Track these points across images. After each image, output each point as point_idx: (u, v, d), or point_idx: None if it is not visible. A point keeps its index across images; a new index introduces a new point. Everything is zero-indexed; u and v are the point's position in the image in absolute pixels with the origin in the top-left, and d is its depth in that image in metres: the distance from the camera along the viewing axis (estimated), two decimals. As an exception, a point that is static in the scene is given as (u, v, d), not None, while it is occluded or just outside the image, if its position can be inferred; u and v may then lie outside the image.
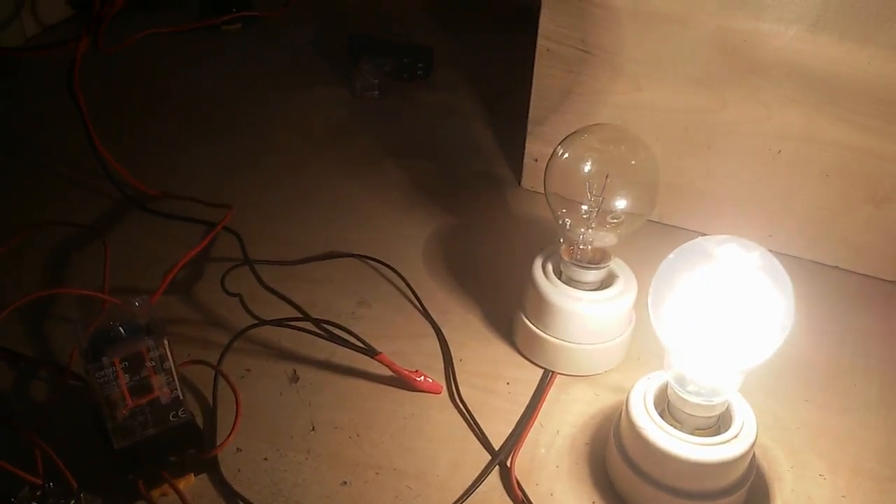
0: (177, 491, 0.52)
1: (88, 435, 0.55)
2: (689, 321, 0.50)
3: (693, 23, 0.69)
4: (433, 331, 0.67)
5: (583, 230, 0.61)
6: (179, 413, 0.53)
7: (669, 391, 0.53)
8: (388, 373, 0.62)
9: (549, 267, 0.63)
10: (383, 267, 0.73)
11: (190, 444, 0.54)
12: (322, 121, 0.94)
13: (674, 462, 0.51)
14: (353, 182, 0.85)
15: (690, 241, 0.53)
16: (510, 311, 0.68)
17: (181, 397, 0.53)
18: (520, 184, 0.85)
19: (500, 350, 0.66)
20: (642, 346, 0.65)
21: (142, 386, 0.51)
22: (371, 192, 0.83)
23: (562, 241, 0.63)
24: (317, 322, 0.63)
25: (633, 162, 0.61)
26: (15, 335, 0.64)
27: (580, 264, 0.61)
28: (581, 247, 0.62)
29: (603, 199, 0.59)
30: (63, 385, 0.59)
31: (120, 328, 0.51)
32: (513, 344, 0.66)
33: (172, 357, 0.51)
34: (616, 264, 0.63)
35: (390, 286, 0.72)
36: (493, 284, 0.72)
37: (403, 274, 0.72)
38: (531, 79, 0.78)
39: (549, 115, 0.79)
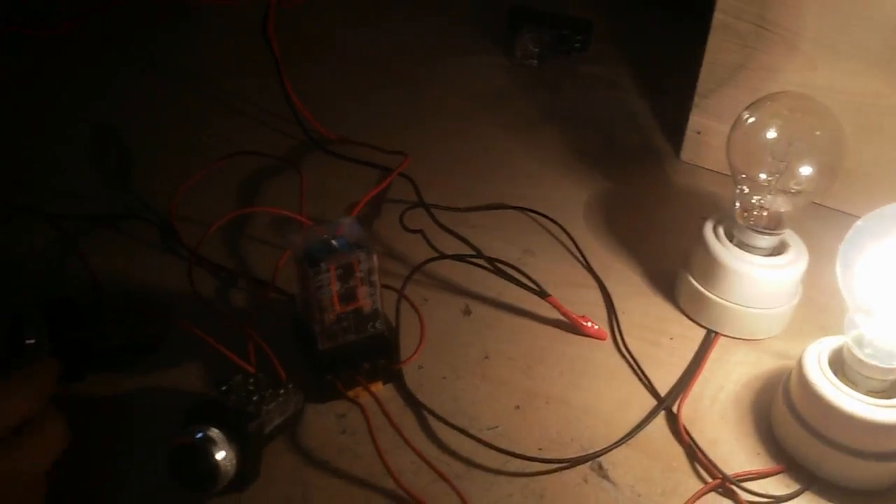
0: (371, 393, 0.57)
1: (288, 342, 0.60)
2: (879, 283, 0.52)
3: (879, 5, 0.70)
4: (596, 283, 0.70)
5: (761, 196, 0.63)
6: (377, 325, 0.58)
7: (846, 353, 0.55)
8: (556, 315, 0.66)
9: (721, 230, 0.65)
10: (547, 221, 0.76)
11: (382, 354, 0.58)
12: (482, 85, 0.98)
13: (847, 420, 0.53)
14: (514, 143, 0.88)
15: (880, 208, 0.54)
16: (671, 273, 0.71)
17: (380, 310, 0.58)
18: (678, 156, 0.87)
19: (662, 307, 0.69)
20: (804, 318, 0.67)
21: (349, 294, 0.56)
22: (532, 154, 0.86)
23: (737, 204, 0.64)
24: (491, 260, 0.67)
25: (818, 132, 0.62)
26: (217, 251, 0.70)
27: (755, 229, 0.63)
28: (757, 212, 0.64)
29: (786, 165, 0.61)
30: (267, 296, 0.64)
31: (332, 241, 0.56)
32: (675, 303, 0.69)
33: (378, 272, 0.56)
34: (788, 234, 0.65)
35: (553, 239, 0.75)
36: (653, 247, 0.74)
37: (567, 228, 0.75)
38: (700, 53, 0.80)
39: (718, 89, 0.80)
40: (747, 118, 0.63)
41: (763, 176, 0.62)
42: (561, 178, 0.83)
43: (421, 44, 1.06)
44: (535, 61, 1.00)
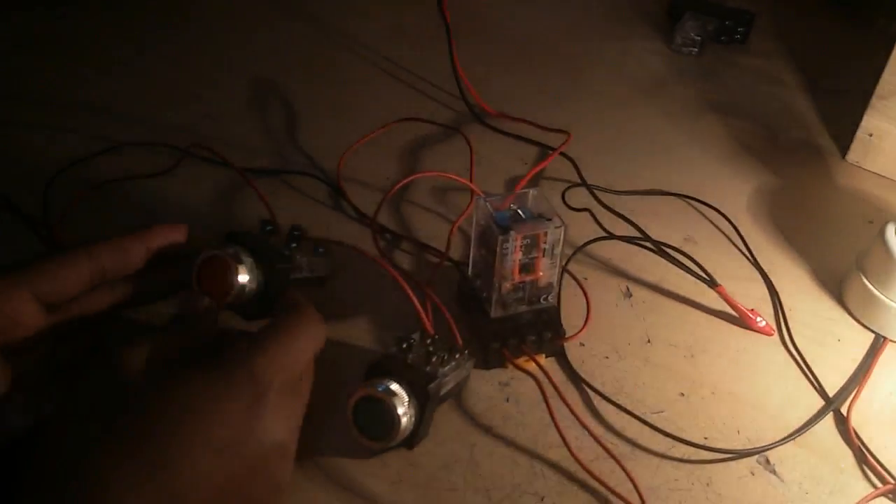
0: (539, 365, 0.57)
1: (453, 308, 0.61)
2: None
3: None
4: (761, 277, 0.69)
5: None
6: (549, 297, 0.59)
7: None
8: (720, 306, 0.65)
9: (903, 232, 0.63)
10: (709, 210, 0.75)
11: (549, 327, 0.59)
12: (641, 70, 0.97)
13: None
14: (672, 130, 0.87)
15: None
16: (837, 274, 0.69)
17: (554, 284, 0.58)
18: (844, 157, 0.84)
19: (829, 308, 0.67)
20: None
21: (529, 265, 0.57)
22: (692, 142, 0.85)
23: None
24: (659, 245, 0.66)
25: None
26: (382, 214, 0.71)
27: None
28: (947, 218, 0.61)
29: None
30: (444, 260, 0.65)
31: (518, 211, 0.57)
32: (842, 304, 0.67)
33: (562, 246, 0.56)
34: (976, 244, 0.62)
35: (715, 228, 0.74)
36: (817, 246, 0.73)
37: (731, 219, 0.74)
38: (878, 56, 0.77)
39: (898, 93, 0.77)
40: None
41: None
42: (722, 169, 0.82)
43: (581, 25, 1.05)
44: (695, 49, 0.98)
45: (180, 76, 0.88)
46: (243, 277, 0.49)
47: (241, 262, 0.48)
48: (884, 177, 0.82)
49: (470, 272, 0.61)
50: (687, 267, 0.65)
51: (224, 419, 0.38)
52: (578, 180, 0.76)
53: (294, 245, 0.52)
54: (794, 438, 0.56)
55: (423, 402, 0.51)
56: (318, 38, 0.97)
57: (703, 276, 0.64)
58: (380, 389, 0.50)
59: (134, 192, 0.72)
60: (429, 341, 0.55)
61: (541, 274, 0.57)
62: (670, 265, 0.66)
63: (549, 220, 0.56)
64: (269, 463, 0.40)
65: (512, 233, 0.54)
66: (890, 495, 0.53)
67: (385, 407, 0.50)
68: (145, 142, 0.76)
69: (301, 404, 0.44)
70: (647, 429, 0.56)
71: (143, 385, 0.39)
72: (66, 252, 0.44)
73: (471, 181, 0.73)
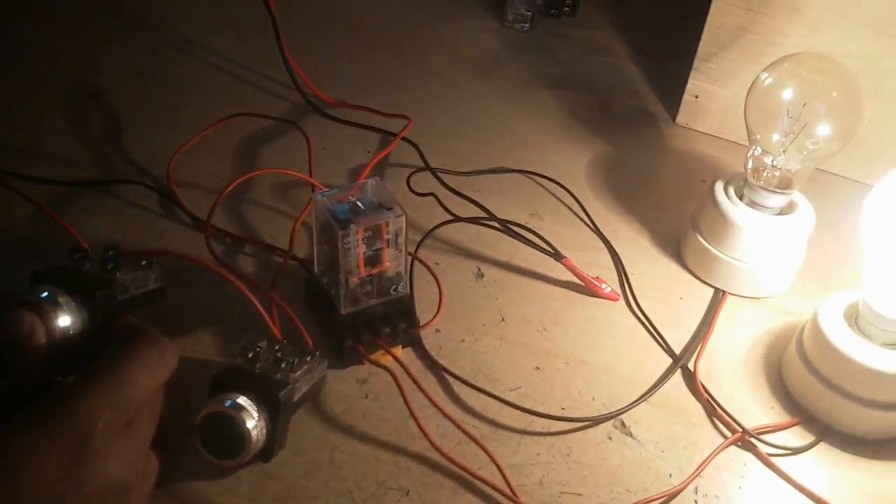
0: (394, 357, 0.56)
1: (302, 308, 0.60)
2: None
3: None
4: (604, 245, 0.71)
5: (774, 156, 0.64)
6: (399, 288, 0.57)
7: (861, 307, 0.56)
8: (568, 277, 0.66)
9: (731, 190, 0.66)
10: (551, 184, 0.76)
11: (402, 318, 0.58)
12: (473, 48, 0.97)
13: (864, 371, 0.54)
14: (510, 106, 0.88)
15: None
16: (676, 234, 0.71)
17: (403, 273, 0.57)
18: (674, 120, 0.87)
19: (669, 268, 0.69)
20: (806, 277, 0.68)
21: (374, 257, 0.55)
22: (530, 118, 0.86)
23: (749, 164, 0.65)
24: (504, 223, 0.67)
25: (834, 93, 0.63)
26: (219, 216, 0.68)
27: (767, 188, 0.64)
28: (768, 172, 0.64)
29: (802, 126, 0.62)
30: (286, 261, 0.63)
31: (357, 203, 0.55)
32: (682, 263, 0.69)
33: (406, 233, 0.55)
34: (796, 195, 0.66)
35: (558, 202, 0.75)
36: (655, 209, 0.75)
37: (572, 191, 0.75)
38: (698, 18, 0.81)
39: (719, 53, 0.81)
40: (765, 78, 0.64)
41: (777, 136, 0.63)
42: (560, 142, 0.83)
43: (413, 6, 1.04)
44: (527, 25, 1.00)
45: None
46: (64, 320, 0.44)
47: (57, 303, 0.44)
48: (713, 136, 0.86)
49: (316, 269, 0.59)
50: (533, 243, 0.66)
51: (43, 474, 0.34)
52: (422, 165, 0.75)
53: (111, 265, 0.48)
54: (645, 399, 0.58)
55: (275, 411, 0.49)
56: (138, 36, 0.92)
57: (549, 249, 0.65)
58: (226, 405, 0.47)
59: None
60: (277, 347, 0.52)
61: (388, 264, 0.56)
62: (519, 242, 0.67)
63: (390, 209, 0.54)
64: None
65: (352, 226, 0.53)
66: (739, 444, 0.56)
67: (233, 423, 0.47)
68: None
69: (140, 437, 0.40)
70: (506, 407, 0.56)
71: None
72: None
73: (310, 175, 0.71)
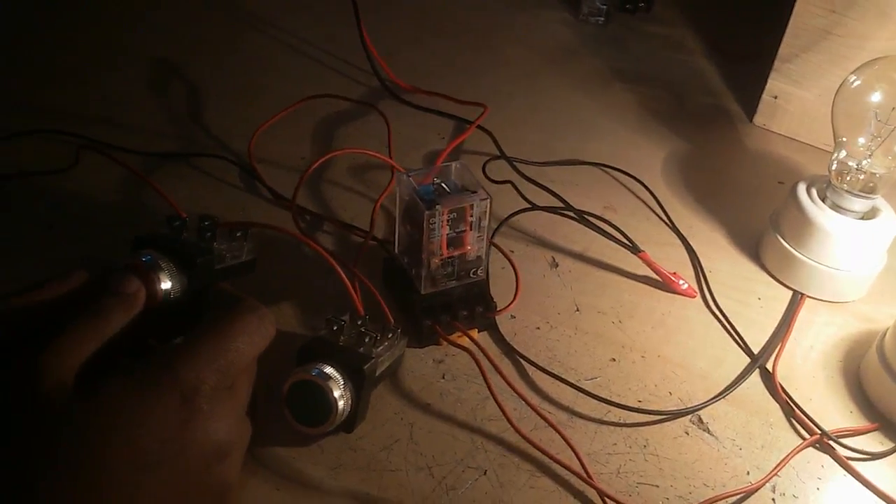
0: (473, 340, 0.57)
1: (382, 288, 0.60)
2: None
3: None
4: (680, 241, 0.70)
5: (860, 159, 0.63)
6: (478, 271, 0.58)
7: (950, 315, 0.55)
8: (643, 271, 0.66)
9: (814, 192, 0.65)
10: (626, 177, 0.76)
11: (479, 301, 0.58)
12: (547, 40, 0.97)
13: (951, 381, 0.53)
14: (584, 98, 0.87)
15: None
16: (753, 234, 0.71)
17: (483, 257, 0.57)
18: (751, 120, 0.86)
19: (747, 268, 0.69)
20: (885, 284, 0.67)
21: (457, 239, 0.55)
22: (604, 111, 0.86)
23: (833, 167, 0.64)
24: (581, 214, 0.66)
25: (927, 97, 0.62)
26: (304, 196, 0.69)
27: (851, 191, 0.63)
28: (852, 175, 0.63)
29: (890, 129, 0.61)
30: (369, 239, 0.64)
31: (443, 185, 0.56)
32: (760, 264, 0.69)
33: (489, 218, 0.55)
34: (879, 200, 0.65)
35: (633, 196, 0.75)
36: (732, 208, 0.74)
37: (647, 185, 0.75)
38: (777, 19, 0.80)
39: (800, 55, 0.80)
40: (853, 81, 0.63)
41: (863, 140, 0.62)
42: (634, 137, 0.83)
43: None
44: (602, 19, 0.99)
45: (68, 59, 0.83)
46: (166, 284, 0.45)
47: (160, 267, 0.45)
48: (790, 138, 0.84)
49: (396, 249, 0.59)
50: (610, 235, 0.65)
51: (152, 433, 0.35)
52: (497, 153, 0.75)
53: (209, 234, 0.49)
54: (724, 397, 0.57)
55: (360, 383, 0.49)
56: (217, 15, 0.94)
57: (626, 242, 0.65)
58: (314, 373, 0.48)
59: (29, 189, 0.67)
60: (360, 322, 0.53)
61: (469, 248, 0.56)
62: (594, 233, 0.66)
63: (475, 192, 0.55)
64: (211, 468, 0.37)
65: (438, 207, 0.53)
66: (817, 445, 0.55)
67: (321, 391, 0.48)
68: (37, 129, 0.71)
69: (240, 401, 0.41)
70: (582, 396, 0.56)
71: (62, 404, 0.36)
72: None
73: (390, 157, 0.71)
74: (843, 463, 0.54)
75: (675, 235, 0.71)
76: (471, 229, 0.55)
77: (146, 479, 0.35)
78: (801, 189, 0.66)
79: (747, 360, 0.61)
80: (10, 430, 0.34)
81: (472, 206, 0.54)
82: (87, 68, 0.82)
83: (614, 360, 0.59)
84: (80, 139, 0.71)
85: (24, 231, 0.63)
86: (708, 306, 0.65)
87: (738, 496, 0.51)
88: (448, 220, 0.54)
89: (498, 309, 0.60)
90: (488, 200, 0.55)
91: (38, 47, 0.84)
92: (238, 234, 0.51)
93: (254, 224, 0.60)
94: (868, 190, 0.63)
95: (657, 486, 0.51)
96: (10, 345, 0.37)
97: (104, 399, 0.35)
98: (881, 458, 0.55)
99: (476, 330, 0.59)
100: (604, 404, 0.55)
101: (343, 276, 0.55)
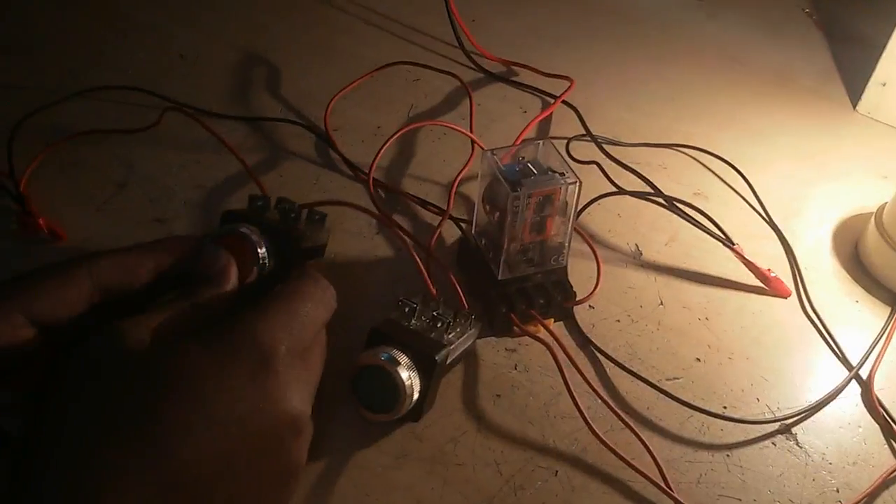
0: (549, 331, 0.54)
1: (455, 270, 0.58)
2: None
3: None
4: (776, 235, 0.66)
5: None
6: (560, 259, 0.55)
7: None
8: (734, 265, 0.62)
9: (928, 190, 0.60)
10: (719, 163, 0.71)
11: (558, 289, 0.55)
12: (644, 12, 0.92)
13: None
14: (679, 76, 0.82)
15: None
16: (854, 232, 0.66)
17: (566, 244, 0.54)
18: (854, 107, 0.80)
19: (847, 267, 0.64)
20: None
21: (540, 224, 0.53)
22: (700, 89, 0.81)
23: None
24: (672, 201, 0.63)
25: None
26: (379, 169, 0.67)
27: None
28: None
29: None
30: (444, 221, 0.61)
31: (529, 165, 0.53)
32: (860, 264, 0.64)
33: (577, 204, 0.52)
34: None
35: (725, 183, 0.70)
36: (831, 202, 0.69)
37: (743, 172, 0.70)
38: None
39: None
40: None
41: None
42: (730, 119, 0.78)
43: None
44: (699, -8, 0.94)
45: (149, 15, 0.82)
46: (263, 252, 0.45)
47: (257, 242, 0.45)
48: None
49: (474, 231, 0.57)
50: (701, 224, 0.61)
51: (226, 391, 0.34)
52: (583, 131, 0.71)
53: (293, 216, 0.48)
54: (816, 407, 0.53)
55: (429, 371, 0.47)
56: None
57: (719, 234, 0.61)
58: (383, 358, 0.46)
59: (106, 146, 0.66)
60: (433, 305, 0.51)
61: (552, 233, 0.53)
62: (681, 222, 0.63)
63: (563, 174, 0.51)
64: (283, 440, 0.36)
65: (524, 189, 0.50)
66: (914, 465, 0.51)
67: (389, 377, 0.46)
68: (118, 86, 0.71)
69: (313, 374, 0.40)
70: (662, 397, 0.53)
71: (140, 359, 0.35)
72: (65, 268, 0.38)
73: (471, 131, 0.68)
74: (945, 488, 0.50)
75: (769, 229, 0.66)
76: (555, 214, 0.52)
77: (211, 440, 0.33)
78: (914, 187, 0.61)
79: (842, 367, 0.56)
80: (86, 381, 0.33)
81: (560, 190, 0.51)
82: (168, 25, 0.81)
83: (699, 360, 0.56)
84: (160, 98, 0.70)
85: (97, 189, 0.63)
86: (803, 307, 0.60)
87: (828, 517, 0.48)
88: (533, 204, 0.51)
89: (577, 298, 0.57)
90: (577, 184, 0.51)
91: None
92: (317, 218, 0.49)
93: (331, 202, 0.58)
94: None
95: (739, 500, 0.48)
96: (101, 309, 0.38)
97: (181, 358, 0.34)
98: None
99: (553, 320, 0.56)
100: (686, 408, 0.52)
101: (415, 256, 0.52)
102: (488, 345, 0.55)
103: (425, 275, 0.53)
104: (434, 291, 0.53)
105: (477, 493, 0.47)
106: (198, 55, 0.77)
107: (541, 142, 0.54)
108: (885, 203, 0.63)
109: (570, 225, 0.53)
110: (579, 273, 0.60)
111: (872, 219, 0.64)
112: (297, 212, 0.48)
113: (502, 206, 0.51)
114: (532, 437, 0.50)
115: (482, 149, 0.54)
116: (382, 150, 0.65)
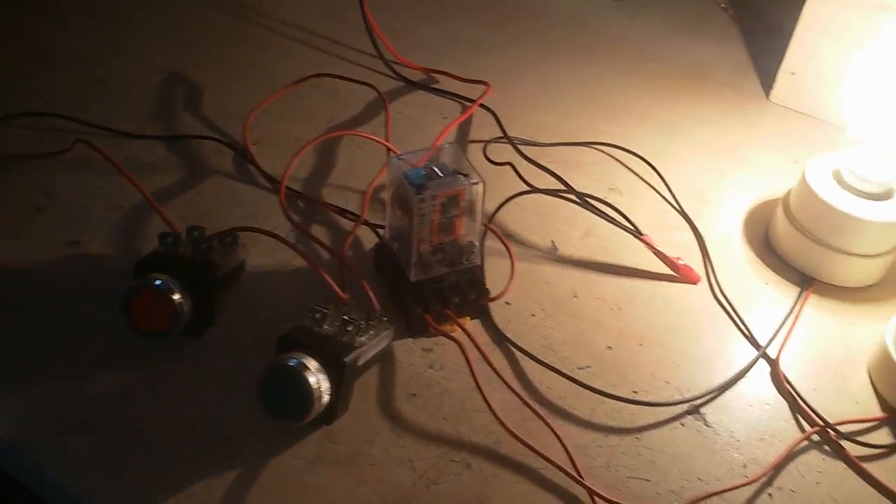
0: (463, 329, 0.55)
1: (373, 274, 0.59)
2: None
3: None
4: (687, 224, 0.68)
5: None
6: (471, 258, 0.56)
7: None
8: (646, 256, 0.63)
9: (827, 172, 0.62)
10: (634, 158, 0.73)
11: (472, 288, 0.57)
12: (559, 15, 0.94)
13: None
14: (594, 76, 0.85)
15: None
16: (763, 216, 0.68)
17: (476, 243, 0.56)
18: (767, 97, 0.83)
19: (755, 251, 0.66)
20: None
21: (448, 225, 0.54)
22: (614, 88, 0.83)
23: (847, 146, 0.61)
24: (583, 197, 0.64)
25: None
26: (298, 179, 0.68)
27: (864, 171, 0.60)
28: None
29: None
30: (358, 225, 0.62)
31: (435, 168, 0.54)
32: (769, 247, 0.66)
33: (483, 203, 0.53)
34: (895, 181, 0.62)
35: (639, 178, 0.72)
36: (744, 189, 0.72)
37: (655, 166, 0.72)
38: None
39: (819, 30, 0.76)
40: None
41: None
42: (646, 116, 0.80)
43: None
44: (616, -7, 0.96)
45: (66, 42, 0.82)
46: (178, 297, 0.48)
47: (170, 288, 0.46)
48: (808, 115, 0.81)
49: (387, 235, 0.58)
50: (612, 218, 0.63)
51: None
52: (500, 134, 0.73)
53: (204, 246, 0.49)
54: (725, 387, 0.55)
55: (339, 374, 0.48)
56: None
57: (629, 226, 0.62)
58: (290, 363, 0.47)
59: (22, 172, 0.66)
60: (344, 310, 0.52)
61: (461, 233, 0.54)
62: (596, 217, 0.64)
63: (467, 176, 0.53)
64: None
65: (428, 192, 0.51)
66: (819, 438, 0.53)
67: (298, 381, 0.47)
68: (33, 112, 0.71)
69: None
70: (574, 386, 0.54)
71: None
72: None
73: (386, 139, 0.70)
74: (845, 456, 0.52)
75: (681, 218, 0.68)
76: (463, 215, 0.54)
77: None
78: (813, 169, 0.63)
79: (751, 348, 0.58)
80: None
81: (464, 191, 0.53)
82: (85, 50, 0.81)
83: (610, 348, 0.57)
84: (76, 122, 0.70)
85: (13, 214, 0.63)
86: (713, 292, 0.62)
87: (733, 490, 0.49)
88: (439, 206, 0.53)
89: (491, 296, 0.58)
90: (481, 185, 0.53)
91: (36, 26, 0.84)
92: (228, 241, 0.50)
93: (241, 229, 0.58)
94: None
95: (648, 481, 0.49)
96: None
97: None
98: (887, 451, 0.52)
99: (468, 318, 0.57)
100: (596, 395, 0.54)
101: (318, 267, 0.53)
102: (405, 346, 0.56)
103: (330, 282, 0.54)
104: (345, 296, 0.54)
105: (391, 490, 0.48)
106: (119, 78, 0.78)
107: (447, 145, 0.55)
108: (792, 187, 0.65)
109: (479, 224, 0.54)
110: (497, 271, 0.61)
111: (780, 203, 0.66)
112: (208, 241, 0.49)
113: (409, 210, 0.52)
114: (447, 433, 0.51)
115: (390, 155, 0.55)
116: (295, 162, 0.66)
